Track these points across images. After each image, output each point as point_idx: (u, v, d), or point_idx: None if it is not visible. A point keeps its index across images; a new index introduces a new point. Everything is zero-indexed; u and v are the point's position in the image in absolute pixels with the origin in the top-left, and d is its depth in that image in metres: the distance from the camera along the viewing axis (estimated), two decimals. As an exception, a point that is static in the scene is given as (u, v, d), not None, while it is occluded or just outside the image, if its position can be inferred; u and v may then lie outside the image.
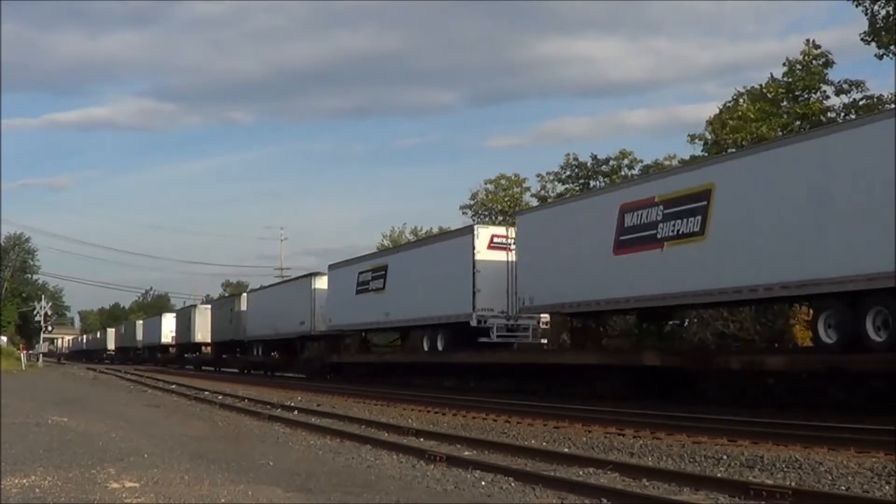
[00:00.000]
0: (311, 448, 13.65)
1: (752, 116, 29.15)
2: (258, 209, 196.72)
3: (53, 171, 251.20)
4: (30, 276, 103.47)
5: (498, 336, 26.04)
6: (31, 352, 74.39)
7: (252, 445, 13.87)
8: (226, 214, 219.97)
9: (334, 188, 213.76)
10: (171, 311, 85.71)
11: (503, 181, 47.64)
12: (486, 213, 46.10)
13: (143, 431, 15.90)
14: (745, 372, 18.27)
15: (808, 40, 30.03)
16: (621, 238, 20.52)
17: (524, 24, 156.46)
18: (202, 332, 58.81)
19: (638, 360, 19.78)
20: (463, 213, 47.99)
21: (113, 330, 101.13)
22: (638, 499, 8.69)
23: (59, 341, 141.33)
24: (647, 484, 9.59)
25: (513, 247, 25.66)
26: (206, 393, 28.32)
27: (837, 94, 29.26)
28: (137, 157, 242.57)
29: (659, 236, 19.35)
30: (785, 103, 30.07)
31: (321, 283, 38.66)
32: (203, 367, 59.93)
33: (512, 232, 26.12)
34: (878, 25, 25.95)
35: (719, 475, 10.03)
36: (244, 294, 54.00)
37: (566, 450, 12.60)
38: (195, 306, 65.20)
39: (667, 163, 37.45)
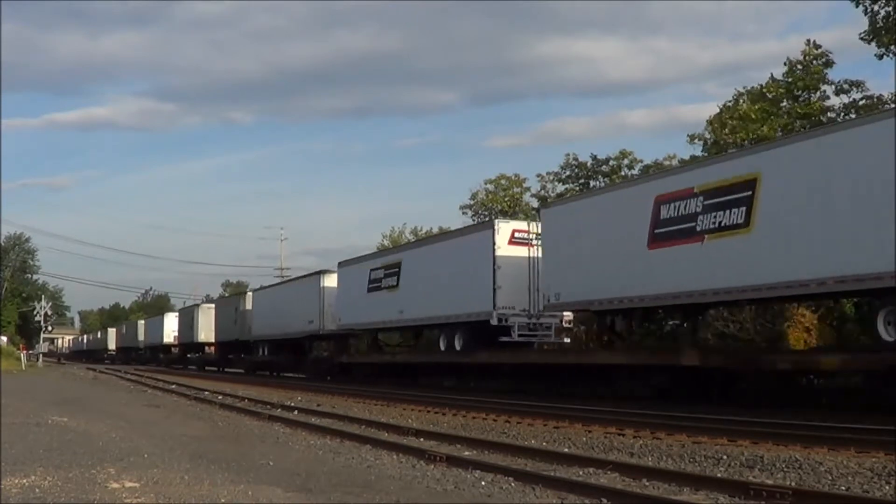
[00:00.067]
0: (311, 448, 13.65)
1: (753, 116, 29.14)
2: (258, 209, 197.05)
3: (53, 171, 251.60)
4: (30, 276, 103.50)
5: (519, 335, 25.19)
6: (31, 352, 74.37)
7: (252, 445, 13.87)
8: (226, 214, 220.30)
9: (334, 188, 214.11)
10: (171, 311, 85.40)
11: (503, 181, 47.57)
12: (486, 213, 46.03)
13: (143, 431, 15.90)
14: (793, 372, 17.57)
15: (808, 40, 30.07)
16: (657, 231, 19.60)
17: (524, 24, 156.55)
18: (205, 331, 57.98)
19: (675, 359, 18.84)
20: (463, 213, 47.95)
21: (114, 330, 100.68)
22: (638, 499, 8.69)
23: (59, 341, 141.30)
24: (647, 484, 9.59)
25: (534, 242, 24.97)
26: (206, 393, 28.32)
27: (837, 94, 29.26)
28: (137, 157, 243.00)
29: (699, 229, 18.41)
30: (785, 103, 30.07)
31: (330, 281, 37.74)
32: (206, 368, 59.07)
33: (534, 226, 25.42)
34: (878, 25, 25.94)
35: (719, 475, 10.03)
36: (249, 293, 52.71)
37: (566, 450, 12.59)
38: (198, 305, 64.42)
39: (667, 163, 37.41)
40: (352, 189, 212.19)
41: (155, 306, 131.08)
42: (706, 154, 30.57)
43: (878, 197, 14.82)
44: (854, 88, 28.98)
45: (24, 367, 57.68)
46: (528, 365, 25.22)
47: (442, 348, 28.59)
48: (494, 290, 25.01)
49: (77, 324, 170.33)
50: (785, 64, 30.17)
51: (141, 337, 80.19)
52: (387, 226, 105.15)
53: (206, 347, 60.56)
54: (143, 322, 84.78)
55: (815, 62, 29.56)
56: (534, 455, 11.87)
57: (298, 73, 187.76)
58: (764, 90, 30.40)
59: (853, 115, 26.85)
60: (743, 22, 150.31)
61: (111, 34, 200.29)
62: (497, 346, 25.59)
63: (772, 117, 29.09)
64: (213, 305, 61.18)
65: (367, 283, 33.33)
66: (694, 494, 8.97)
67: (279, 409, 20.75)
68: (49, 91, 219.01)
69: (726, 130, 29.56)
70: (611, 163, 41.85)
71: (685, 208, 18.86)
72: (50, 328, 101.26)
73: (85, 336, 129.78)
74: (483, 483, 9.92)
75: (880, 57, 26.27)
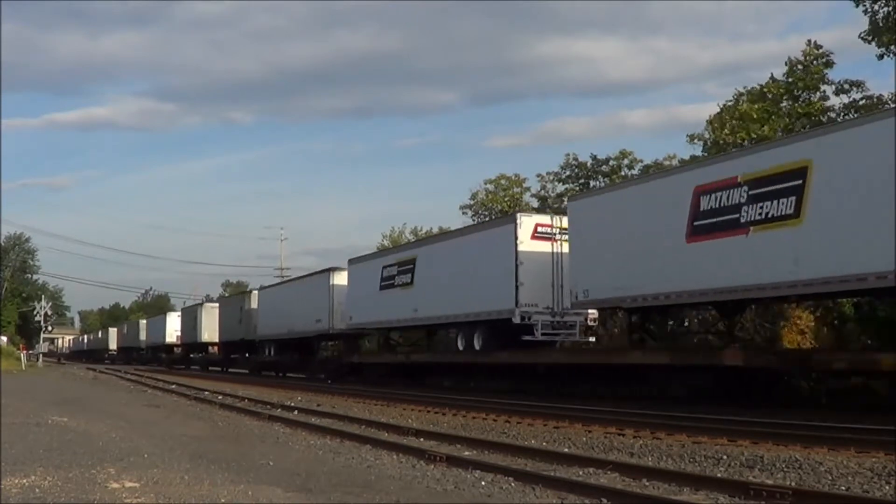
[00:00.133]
0: (311, 448, 13.65)
1: (754, 116, 29.14)
2: (258, 209, 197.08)
3: (53, 171, 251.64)
4: (30, 276, 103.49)
5: (543, 334, 24.22)
6: (31, 352, 74.33)
7: (252, 445, 13.87)
8: (226, 214, 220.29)
9: (334, 188, 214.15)
10: (171, 311, 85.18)
11: (503, 181, 47.57)
12: (486, 213, 46.02)
13: (143, 431, 15.90)
14: (850, 372, 16.83)
15: (809, 41, 30.08)
16: (696, 223, 18.60)
17: (524, 24, 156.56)
18: (209, 331, 56.69)
19: (717, 359, 18.07)
20: (463, 213, 47.91)
21: (115, 329, 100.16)
22: (638, 499, 8.69)
23: (60, 341, 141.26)
24: (647, 484, 9.59)
25: (558, 237, 24.21)
26: (206, 393, 28.32)
27: (837, 93, 29.27)
28: (137, 157, 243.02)
29: (743, 220, 17.41)
30: (785, 103, 30.08)
31: (340, 278, 36.65)
32: (210, 368, 58.23)
33: (557, 220, 24.62)
34: (878, 25, 25.93)
35: (719, 475, 10.03)
36: (255, 291, 51.11)
37: (566, 450, 12.60)
38: (202, 304, 63.57)
39: (667, 163, 37.42)
40: (352, 189, 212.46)
41: (155, 306, 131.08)
42: (706, 154, 30.56)
43: None
44: (854, 88, 28.99)
45: (24, 367, 57.68)
46: (555, 365, 24.08)
47: (460, 348, 27.67)
48: (517, 286, 24.07)
49: (77, 324, 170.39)
50: (786, 64, 30.20)
51: (142, 337, 79.48)
52: (387, 226, 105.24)
53: (210, 347, 59.50)
54: (144, 322, 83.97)
55: (815, 62, 29.56)
56: (534, 455, 11.87)
57: (298, 73, 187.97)
58: (764, 90, 30.42)
59: (853, 115, 26.84)
60: (743, 22, 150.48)
61: (111, 34, 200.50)
62: (519, 346, 24.64)
63: (773, 117, 29.09)
64: (216, 304, 60.02)
65: (380, 281, 32.33)
66: (694, 494, 8.97)
67: (279, 409, 20.75)
68: (49, 91, 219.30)
69: (726, 131, 29.55)
70: (611, 163, 41.88)
71: (728, 199, 17.84)
72: (50, 328, 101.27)
73: (85, 336, 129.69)
74: (483, 483, 9.92)
75: (880, 57, 26.27)
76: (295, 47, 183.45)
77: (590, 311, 24.48)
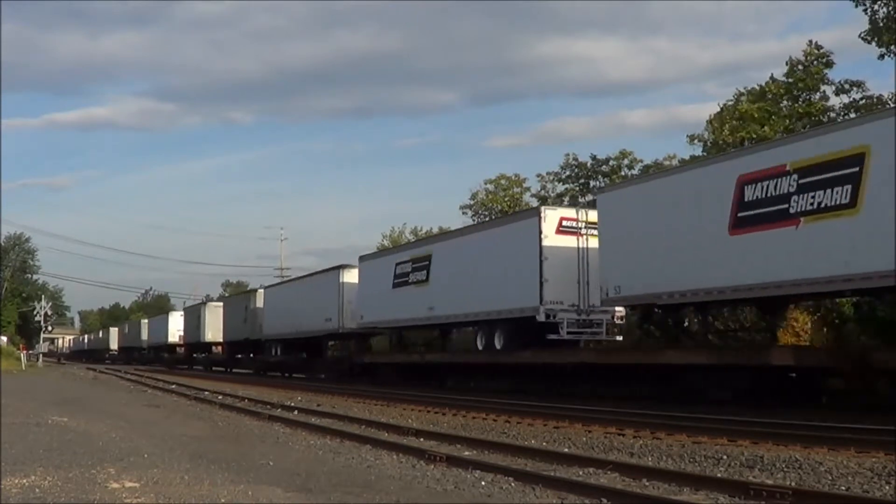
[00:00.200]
0: (311, 448, 13.65)
1: (754, 116, 29.15)
2: (258, 209, 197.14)
3: (53, 171, 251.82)
4: (30, 276, 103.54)
5: (568, 333, 23.28)
6: (31, 352, 74.29)
7: (252, 445, 13.87)
8: (226, 214, 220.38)
9: (334, 188, 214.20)
10: (171, 311, 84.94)
11: (503, 181, 47.60)
12: (486, 213, 46.05)
13: (143, 431, 15.90)
14: None
15: (810, 41, 30.11)
16: (740, 215, 17.65)
17: (524, 24, 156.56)
18: (213, 331, 55.76)
19: (764, 358, 17.18)
20: (463, 213, 47.95)
21: (116, 329, 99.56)
22: (638, 499, 8.69)
23: (60, 341, 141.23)
24: (647, 484, 9.59)
25: (584, 231, 23.32)
26: (206, 393, 28.32)
27: (837, 94, 29.31)
28: (137, 157, 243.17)
29: (793, 211, 16.50)
30: (785, 103, 30.11)
31: (350, 276, 35.70)
32: (213, 368, 57.33)
33: (583, 214, 23.82)
34: (878, 25, 25.94)
35: (719, 475, 10.03)
36: (260, 290, 49.95)
37: (566, 450, 12.59)
38: (205, 303, 62.75)
39: (667, 163, 37.44)
40: (352, 189, 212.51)
41: (155, 306, 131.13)
42: (706, 154, 30.56)
43: None
44: (854, 88, 29.02)
45: (24, 367, 57.67)
46: (584, 365, 22.83)
47: (479, 347, 26.64)
48: (541, 283, 23.08)
49: (77, 324, 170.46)
50: (786, 63, 30.24)
51: (144, 336, 78.67)
52: (387, 226, 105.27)
53: (213, 347, 58.58)
54: (146, 321, 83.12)
55: (815, 63, 29.59)
56: (534, 455, 11.87)
57: (298, 73, 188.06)
58: (764, 90, 30.44)
59: (853, 115, 26.84)
60: (743, 22, 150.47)
61: (111, 34, 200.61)
62: (542, 345, 23.70)
63: (773, 117, 29.10)
64: (220, 304, 59.22)
65: (393, 278, 31.31)
66: (694, 494, 8.97)
67: (279, 409, 20.75)
68: (49, 91, 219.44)
69: (726, 131, 29.57)
70: (611, 163, 41.91)
71: (776, 188, 16.87)
72: (50, 328, 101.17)
73: (86, 336, 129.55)
74: (483, 483, 9.91)
75: (881, 57, 26.29)
76: (295, 47, 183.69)
77: (617, 308, 23.49)
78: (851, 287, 16.67)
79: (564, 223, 23.66)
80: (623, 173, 40.66)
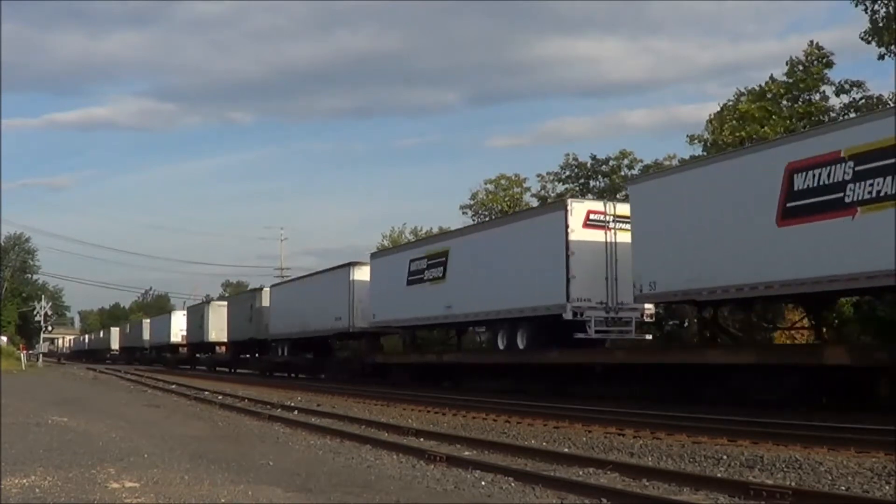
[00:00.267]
0: (311, 448, 13.65)
1: (755, 115, 29.16)
2: (258, 209, 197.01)
3: (53, 171, 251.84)
4: (30, 276, 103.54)
5: (596, 331, 22.27)
6: (31, 352, 74.26)
7: (252, 445, 13.87)
8: (226, 214, 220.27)
9: (334, 188, 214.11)
10: (170, 311, 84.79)
11: (503, 181, 47.64)
12: (486, 213, 46.08)
13: (143, 431, 15.90)
14: None
15: (811, 42, 30.15)
16: (789, 205, 16.58)
17: (524, 24, 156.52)
18: (216, 330, 54.72)
19: (817, 358, 16.20)
20: (463, 213, 48.00)
21: (117, 329, 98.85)
22: (638, 499, 8.69)
23: (60, 341, 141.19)
24: (647, 484, 9.59)
25: (612, 225, 22.47)
26: (206, 393, 28.33)
27: (838, 94, 29.34)
28: (137, 157, 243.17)
29: (848, 200, 15.45)
30: (785, 102, 30.14)
31: (361, 273, 34.64)
32: (217, 369, 56.30)
33: (611, 207, 22.86)
34: (878, 25, 25.95)
35: (719, 475, 10.03)
36: (266, 288, 48.66)
37: (566, 450, 12.59)
38: (209, 302, 61.97)
39: (667, 163, 37.46)
40: (352, 189, 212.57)
41: (155, 306, 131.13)
42: (706, 154, 30.55)
43: None
44: (854, 88, 29.05)
45: (24, 367, 57.67)
46: (617, 366, 21.55)
47: (500, 347, 25.57)
48: (568, 280, 21.99)
49: (77, 324, 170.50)
50: (786, 63, 30.27)
51: (146, 336, 77.82)
52: (387, 226, 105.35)
53: (217, 347, 57.52)
54: (148, 321, 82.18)
55: (816, 63, 29.62)
56: (534, 455, 11.87)
57: (298, 73, 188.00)
58: (764, 89, 30.47)
59: (853, 115, 26.84)
60: (743, 22, 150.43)
61: (111, 34, 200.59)
62: (569, 345, 22.68)
63: (773, 117, 29.12)
64: (224, 303, 58.01)
65: (407, 276, 30.20)
66: (694, 494, 8.97)
67: (279, 409, 20.75)
68: (49, 91, 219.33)
69: (726, 132, 29.58)
70: (611, 163, 41.95)
71: (829, 176, 15.80)
72: (50, 328, 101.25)
73: (87, 336, 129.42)
74: (483, 483, 9.92)
75: (881, 57, 26.30)
76: (295, 47, 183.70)
77: (646, 306, 22.59)
78: None
79: (592, 217, 22.65)
80: (623, 173, 40.69)
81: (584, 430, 14.95)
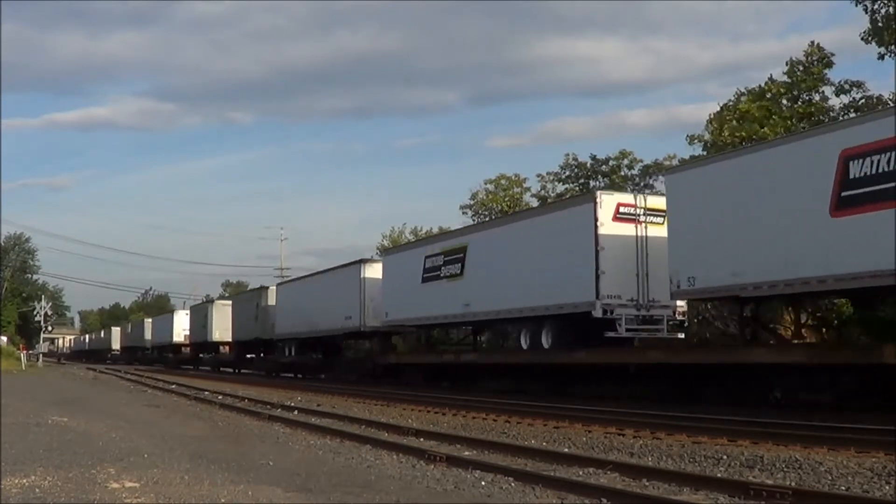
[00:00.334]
0: (311, 448, 13.65)
1: (755, 114, 29.16)
2: (258, 209, 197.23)
3: (53, 171, 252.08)
4: (30, 276, 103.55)
5: (627, 329, 21.36)
6: (31, 352, 74.21)
7: (252, 445, 13.87)
8: (226, 214, 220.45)
9: (334, 188, 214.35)
10: (170, 311, 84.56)
11: (503, 181, 47.61)
12: (487, 213, 46.07)
13: (143, 431, 15.90)
14: None
15: (812, 42, 30.16)
16: (844, 194, 15.59)
17: (524, 24, 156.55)
18: (220, 330, 53.71)
19: (876, 357, 15.21)
20: (463, 213, 47.95)
21: (119, 329, 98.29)
22: (638, 499, 8.69)
23: (60, 341, 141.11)
24: (647, 484, 9.59)
25: (643, 218, 21.58)
26: (206, 393, 28.33)
27: (838, 94, 29.34)
28: (137, 157, 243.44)
29: None
30: (785, 102, 30.15)
31: (372, 271, 33.72)
32: (221, 369, 55.42)
33: (641, 200, 22.02)
34: (878, 25, 25.94)
35: (719, 475, 10.03)
36: (273, 287, 47.44)
37: (566, 450, 12.59)
38: (213, 301, 61.32)
39: (667, 163, 37.46)
40: (352, 189, 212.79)
41: (155, 306, 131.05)
42: (706, 154, 30.55)
43: None
44: (854, 88, 29.06)
45: (24, 367, 57.66)
46: (652, 366, 20.32)
47: (523, 346, 24.51)
48: (597, 275, 21.13)
49: (77, 324, 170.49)
50: (786, 63, 30.29)
51: (148, 336, 77.04)
52: (387, 226, 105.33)
53: (221, 347, 56.62)
54: (150, 320, 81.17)
55: (816, 63, 29.64)
56: (534, 455, 11.87)
57: (298, 73, 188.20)
58: (764, 89, 30.48)
59: (853, 115, 26.84)
60: (743, 22, 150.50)
61: (111, 34, 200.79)
62: (597, 344, 21.79)
63: (773, 116, 29.12)
64: (229, 302, 56.99)
65: (422, 273, 29.16)
66: (694, 494, 8.97)
67: (279, 409, 20.75)
68: (49, 91, 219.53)
69: (725, 133, 29.58)
70: (610, 163, 41.94)
71: (889, 163, 14.84)
72: (50, 328, 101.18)
73: (87, 335, 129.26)
74: (483, 483, 9.92)
75: (881, 57, 26.29)
76: (295, 47, 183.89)
77: (678, 304, 21.64)
78: None
79: (622, 209, 21.71)
80: (623, 173, 40.69)
81: (584, 430, 14.94)
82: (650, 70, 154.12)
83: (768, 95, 30.08)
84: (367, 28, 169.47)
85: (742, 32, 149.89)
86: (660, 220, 21.31)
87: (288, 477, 10.20)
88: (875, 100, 28.30)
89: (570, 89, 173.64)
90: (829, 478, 9.67)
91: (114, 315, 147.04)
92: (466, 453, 12.27)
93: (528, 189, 46.88)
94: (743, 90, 31.57)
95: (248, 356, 51.18)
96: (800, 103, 29.68)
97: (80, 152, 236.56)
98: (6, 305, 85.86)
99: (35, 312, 79.17)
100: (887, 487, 9.10)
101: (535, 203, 42.79)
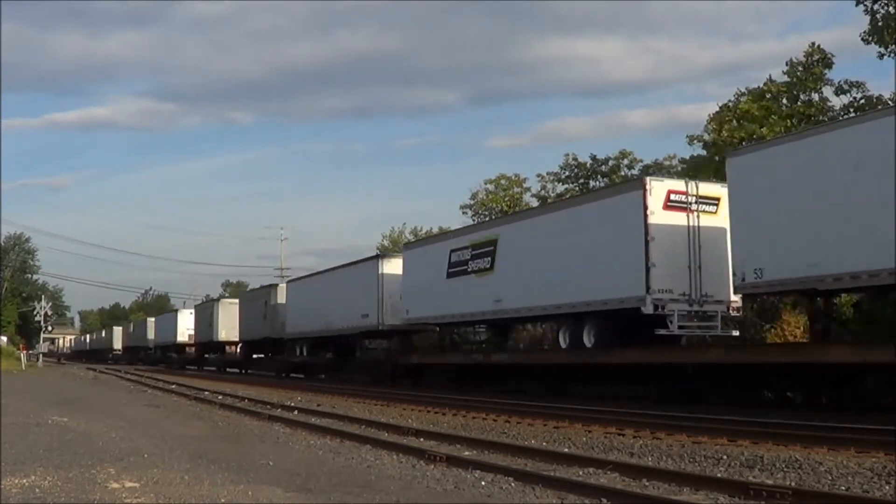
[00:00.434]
0: (311, 448, 13.65)
1: (755, 114, 29.18)
2: (258, 209, 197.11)
3: (53, 171, 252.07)
4: (30, 276, 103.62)
5: (679, 326, 19.84)
6: (31, 352, 74.21)
7: (252, 445, 13.87)
8: (226, 214, 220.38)
9: (334, 188, 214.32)
10: (171, 310, 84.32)
11: (503, 181, 47.69)
12: (487, 213, 46.10)
13: (143, 431, 15.90)
14: None
15: (812, 43, 30.19)
16: None
17: (524, 24, 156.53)
18: (227, 329, 52.47)
19: None
20: (463, 213, 48.05)
21: (120, 328, 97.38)
22: (638, 499, 8.69)
23: (60, 341, 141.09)
24: (647, 484, 9.59)
25: (695, 207, 20.06)
26: (206, 393, 28.33)
27: (837, 94, 29.37)
28: (137, 157, 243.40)
29: None
30: (785, 102, 30.18)
31: (391, 266, 32.24)
32: (227, 370, 53.94)
33: (693, 187, 20.36)
34: (878, 25, 25.97)
35: (719, 475, 10.03)
36: (282, 284, 46.32)
37: (566, 450, 12.59)
38: (219, 300, 60.36)
39: (667, 163, 37.51)
40: (352, 189, 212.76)
41: (155, 306, 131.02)
42: (707, 154, 30.59)
43: None
44: (854, 88, 29.09)
45: (24, 367, 57.67)
46: (713, 366, 18.64)
47: (563, 345, 22.86)
48: (647, 268, 19.56)
49: (77, 324, 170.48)
50: (786, 64, 30.32)
51: (151, 336, 75.88)
52: (387, 226, 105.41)
53: (227, 347, 55.55)
54: (153, 320, 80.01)
55: (816, 63, 29.67)
56: (534, 455, 11.87)
57: (298, 73, 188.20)
58: (764, 90, 30.52)
59: (853, 114, 26.85)
60: (743, 22, 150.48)
61: (111, 34, 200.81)
62: (645, 342, 20.38)
63: (773, 116, 29.14)
64: (236, 300, 55.43)
65: (447, 267, 27.60)
66: (694, 494, 8.97)
67: (279, 409, 20.75)
68: (49, 91, 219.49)
69: (724, 133, 29.60)
70: (610, 163, 42.00)
71: None
72: (50, 328, 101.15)
73: (88, 335, 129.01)
74: (483, 483, 9.91)
75: (881, 57, 26.33)
76: (295, 47, 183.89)
77: (732, 298, 20.09)
78: None
79: (673, 197, 20.11)
80: (623, 173, 40.73)
81: (584, 430, 14.94)
82: (650, 70, 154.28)
83: (768, 96, 30.11)
84: (367, 28, 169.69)
85: (742, 32, 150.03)
86: (712, 208, 20.26)
87: (288, 477, 10.20)
88: (875, 100, 28.33)
89: (570, 89, 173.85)
90: (829, 478, 9.67)
91: (114, 315, 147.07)
92: (466, 453, 12.27)
93: (528, 189, 46.97)
94: (743, 90, 31.63)
95: (256, 356, 50.02)
96: (799, 103, 29.71)
97: (80, 152, 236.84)
98: (6, 305, 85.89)
99: (35, 312, 79.18)
100: (887, 487, 9.10)
101: (535, 203, 42.81)
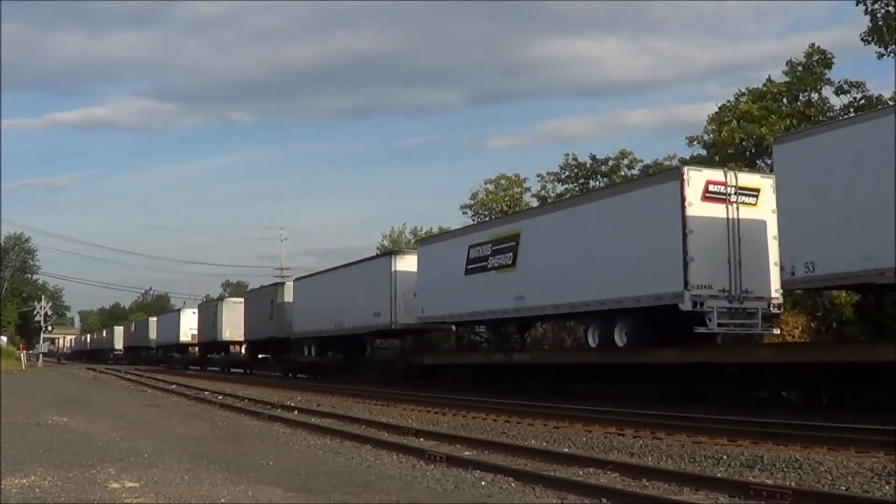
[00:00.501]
0: (311, 448, 13.66)
1: (755, 114, 29.18)
2: (258, 209, 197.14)
3: (53, 171, 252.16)
4: (30, 276, 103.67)
5: (719, 324, 18.73)
6: (31, 352, 74.17)
7: (252, 445, 13.87)
8: (226, 214, 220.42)
9: (334, 188, 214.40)
10: (171, 311, 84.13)
11: (503, 181, 47.62)
12: (487, 213, 46.07)
13: (143, 431, 15.90)
14: None
15: (812, 44, 30.21)
16: None
17: (524, 24, 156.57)
18: (231, 329, 51.45)
19: None
20: (463, 213, 47.98)
21: (121, 328, 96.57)
22: (638, 499, 8.69)
23: (60, 341, 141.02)
24: (647, 484, 9.59)
25: (734, 198, 19.10)
26: (206, 393, 28.33)
27: (837, 94, 29.38)
28: (137, 157, 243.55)
29: None
30: (785, 102, 30.19)
31: (404, 263, 31.35)
32: (232, 370, 53.05)
33: (732, 178, 19.37)
34: (878, 25, 25.97)
35: (719, 475, 10.03)
36: (289, 282, 45.16)
37: (566, 450, 12.59)
38: (223, 299, 59.65)
39: (667, 163, 37.46)
40: (352, 189, 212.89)
41: (155, 306, 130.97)
42: (707, 155, 30.59)
43: None
44: (854, 88, 29.10)
45: (24, 367, 57.66)
46: (760, 365, 17.79)
47: (592, 344, 21.74)
48: (685, 263, 18.52)
49: (77, 324, 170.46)
50: (787, 64, 30.33)
51: (152, 335, 74.86)
52: (387, 226, 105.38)
53: (231, 347, 54.67)
54: (155, 319, 78.92)
55: (816, 63, 29.68)
56: (534, 455, 11.87)
57: (299, 73, 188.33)
58: (764, 90, 30.53)
59: (853, 114, 26.85)
60: (743, 22, 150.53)
61: (111, 34, 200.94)
62: (682, 341, 19.24)
63: (773, 116, 29.14)
64: (240, 299, 54.06)
65: (465, 264, 26.53)
66: (694, 494, 8.97)
67: (279, 409, 20.76)
68: (49, 91, 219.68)
69: (724, 134, 29.60)
70: (610, 163, 41.95)
71: None
72: (50, 328, 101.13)
73: (88, 335, 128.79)
74: (483, 483, 9.92)
75: (880, 57, 26.33)
76: (295, 47, 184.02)
77: (773, 294, 19.26)
78: None
79: (711, 188, 19.13)
80: (623, 173, 40.70)
81: (584, 430, 14.94)
82: (650, 70, 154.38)
83: (768, 96, 30.12)
84: (367, 28, 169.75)
85: (742, 32, 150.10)
86: (752, 200, 19.42)
87: (288, 477, 10.21)
88: (875, 100, 28.32)
89: (570, 89, 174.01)
90: (829, 478, 9.67)
91: (114, 315, 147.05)
92: (466, 453, 12.27)
93: (528, 189, 46.93)
94: (743, 90, 31.64)
95: (262, 356, 49.10)
96: (799, 103, 29.72)
97: (80, 152, 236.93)
98: (6, 305, 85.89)
99: (35, 312, 79.18)
100: (887, 487, 9.10)
101: (535, 203, 42.78)
